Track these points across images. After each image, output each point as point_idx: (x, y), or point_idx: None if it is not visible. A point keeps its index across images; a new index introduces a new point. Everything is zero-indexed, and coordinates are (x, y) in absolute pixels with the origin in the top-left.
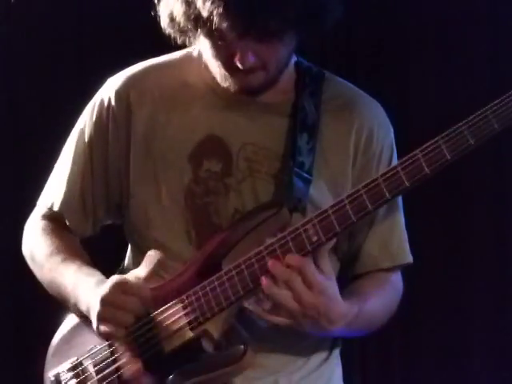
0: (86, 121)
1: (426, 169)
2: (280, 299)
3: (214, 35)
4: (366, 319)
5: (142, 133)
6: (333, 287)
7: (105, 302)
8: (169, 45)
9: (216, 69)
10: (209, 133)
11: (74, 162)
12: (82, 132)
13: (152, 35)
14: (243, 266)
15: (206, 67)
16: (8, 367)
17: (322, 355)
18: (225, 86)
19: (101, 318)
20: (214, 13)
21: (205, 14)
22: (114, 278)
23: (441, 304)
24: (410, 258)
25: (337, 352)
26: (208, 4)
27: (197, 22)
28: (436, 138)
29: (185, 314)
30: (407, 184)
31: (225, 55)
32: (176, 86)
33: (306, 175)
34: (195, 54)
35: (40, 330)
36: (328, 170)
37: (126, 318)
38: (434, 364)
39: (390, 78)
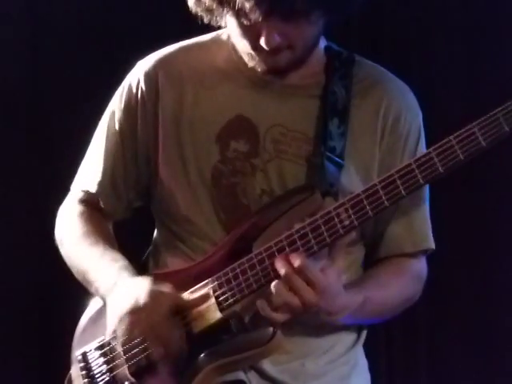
0: (115, 105)
1: (461, 155)
2: (282, 296)
3: (239, 15)
4: (376, 307)
5: (170, 114)
6: (335, 284)
7: (131, 319)
8: (197, 28)
9: (243, 48)
10: (237, 113)
11: (106, 147)
12: (113, 116)
13: (181, 19)
14: (274, 249)
15: (235, 49)
16: (35, 346)
17: (348, 341)
18: (251, 65)
19: (120, 328)
20: None
21: None
22: (146, 292)
23: (467, 292)
24: (432, 245)
25: (361, 341)
26: None
27: (222, 1)
28: (470, 125)
29: (214, 296)
30: (441, 170)
31: (250, 35)
32: (205, 67)
33: (337, 159)
34: (224, 36)
35: (67, 310)
36: (358, 153)
37: (148, 335)
38: (460, 353)
39: (417, 64)
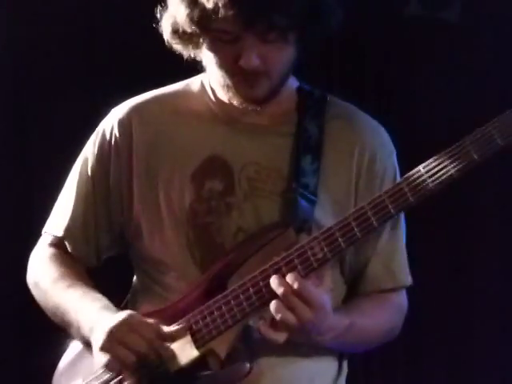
0: (89, 150)
1: (430, 184)
2: (282, 314)
3: (218, 34)
4: (359, 334)
5: (144, 157)
6: (326, 302)
7: (111, 336)
8: (171, 75)
9: (219, 80)
10: (211, 153)
11: (77, 192)
12: (85, 162)
13: (155, 67)
14: (249, 285)
15: (207, 93)
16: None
17: (328, 376)
18: (227, 98)
19: (103, 349)
20: (220, 3)
21: (210, 6)
22: (126, 313)
23: (443, 323)
24: (410, 280)
25: (344, 375)
26: None
27: (201, 21)
28: (439, 154)
29: (190, 333)
30: (411, 200)
31: (228, 60)
32: (177, 112)
33: (310, 196)
34: (196, 84)
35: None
36: (331, 189)
37: (129, 358)
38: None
39: (392, 96)
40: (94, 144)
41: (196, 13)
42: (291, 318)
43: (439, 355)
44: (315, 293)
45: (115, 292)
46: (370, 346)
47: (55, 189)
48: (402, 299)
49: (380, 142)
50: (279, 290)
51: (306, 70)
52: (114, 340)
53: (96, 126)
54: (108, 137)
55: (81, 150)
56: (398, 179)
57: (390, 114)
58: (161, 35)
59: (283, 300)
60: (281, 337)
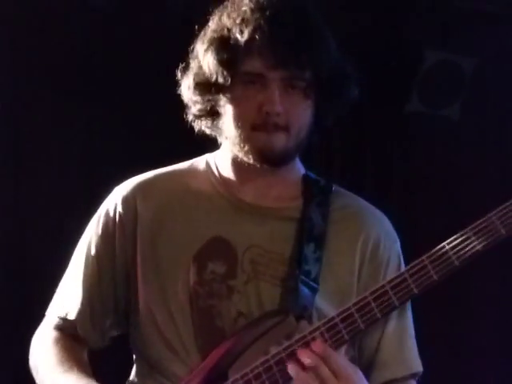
0: (92, 230)
1: (434, 276)
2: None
3: (245, 78)
4: None
5: (148, 236)
6: (359, 373)
7: None
8: (176, 155)
9: (237, 134)
10: (214, 235)
11: (83, 273)
12: (90, 242)
13: (160, 146)
14: (251, 376)
15: (213, 174)
16: None
17: None
18: (242, 155)
19: None
20: (256, 36)
21: (245, 37)
22: None
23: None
24: (421, 367)
25: None
26: (248, 28)
27: (230, 62)
28: (441, 245)
29: None
30: (415, 291)
31: (252, 107)
32: (182, 190)
33: (312, 284)
34: (202, 163)
35: None
36: (334, 279)
37: None
38: None
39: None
40: (98, 223)
41: (226, 51)
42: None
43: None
44: (344, 363)
45: (113, 376)
46: None
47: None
48: None
49: (384, 231)
50: (308, 361)
51: (308, 160)
52: None
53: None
54: (112, 215)
55: (82, 223)
56: (403, 266)
57: (391, 205)
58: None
59: (311, 369)
60: None
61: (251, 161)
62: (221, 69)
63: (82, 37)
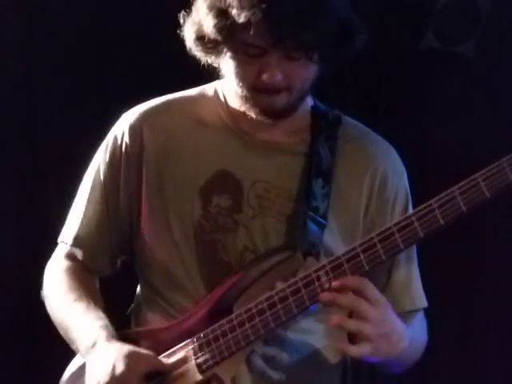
0: (100, 157)
1: (441, 220)
2: (353, 327)
3: (244, 47)
4: (412, 342)
5: (153, 167)
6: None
7: (111, 374)
8: (186, 80)
9: (237, 91)
10: (221, 168)
11: (90, 201)
12: (98, 169)
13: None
14: (254, 311)
15: (221, 103)
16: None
17: None
18: (244, 108)
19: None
20: (252, 19)
21: (241, 20)
22: (127, 351)
23: (454, 352)
24: (426, 303)
25: None
26: (245, 11)
27: (229, 32)
28: (451, 189)
29: (194, 357)
30: (421, 235)
31: (251, 73)
32: (189, 121)
33: (320, 220)
34: (211, 92)
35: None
36: (341, 214)
37: None
38: None
39: (409, 121)
40: (106, 150)
41: (225, 24)
42: (366, 327)
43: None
44: (376, 291)
45: (121, 299)
46: (412, 361)
47: (69, 193)
48: (423, 317)
49: (391, 164)
50: (345, 302)
51: (321, 91)
52: (114, 380)
53: (108, 128)
54: (119, 143)
55: (94, 152)
56: (410, 201)
57: (402, 139)
58: (176, 39)
59: (351, 308)
60: (364, 349)
61: (254, 116)
62: (220, 37)
63: None
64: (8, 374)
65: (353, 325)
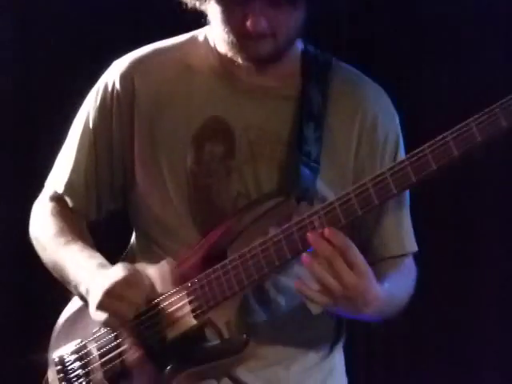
0: (90, 104)
1: (434, 165)
2: (321, 277)
3: None
4: (391, 302)
5: (145, 114)
6: (370, 269)
7: (110, 293)
8: (176, 27)
9: (224, 37)
10: (212, 114)
11: (79, 147)
12: (87, 116)
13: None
14: (248, 256)
15: (211, 49)
16: (11, 347)
17: (323, 350)
18: (231, 55)
19: (101, 307)
20: None
21: None
22: (122, 268)
23: (446, 302)
24: (416, 247)
25: (339, 348)
26: None
27: None
28: (444, 134)
29: (189, 302)
30: (414, 180)
31: (236, 19)
32: (180, 68)
33: (313, 164)
34: (201, 38)
35: (44, 310)
36: (333, 158)
37: (127, 312)
38: (437, 362)
39: (402, 69)
40: (96, 98)
41: None
42: (334, 284)
43: (442, 333)
44: (360, 257)
45: (113, 249)
46: (396, 312)
47: (59, 140)
48: (411, 263)
49: (382, 108)
50: (325, 253)
51: (314, 34)
52: (113, 296)
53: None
54: (110, 91)
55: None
56: (402, 147)
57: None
58: None
59: (325, 258)
60: (324, 299)
61: (241, 61)
62: None
63: None
64: (8, 374)
65: (321, 274)
